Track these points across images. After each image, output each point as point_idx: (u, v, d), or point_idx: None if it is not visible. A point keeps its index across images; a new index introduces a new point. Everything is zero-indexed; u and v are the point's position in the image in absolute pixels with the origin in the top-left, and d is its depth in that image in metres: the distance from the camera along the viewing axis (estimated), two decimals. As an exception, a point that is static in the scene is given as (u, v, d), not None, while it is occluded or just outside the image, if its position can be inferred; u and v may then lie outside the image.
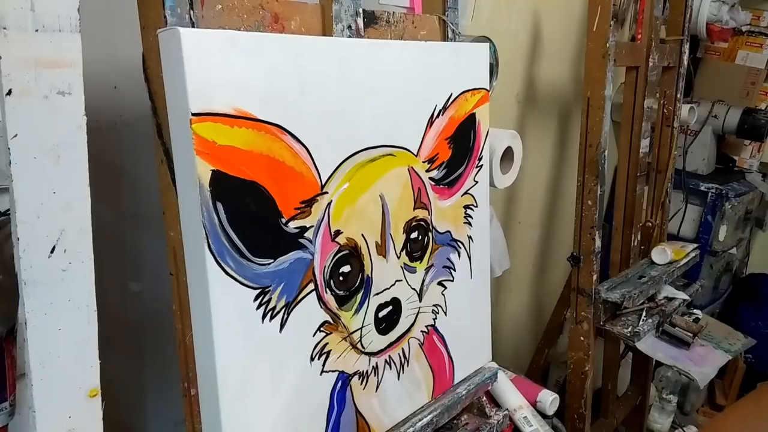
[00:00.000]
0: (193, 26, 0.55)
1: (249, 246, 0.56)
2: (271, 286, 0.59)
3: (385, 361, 0.74)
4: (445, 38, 0.84)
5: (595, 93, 1.15)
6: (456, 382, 0.85)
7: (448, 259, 0.82)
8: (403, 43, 0.73)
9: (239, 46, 0.54)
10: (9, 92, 0.42)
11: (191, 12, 0.54)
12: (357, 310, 0.69)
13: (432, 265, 0.79)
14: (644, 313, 1.30)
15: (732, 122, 1.97)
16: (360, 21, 0.70)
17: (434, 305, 0.80)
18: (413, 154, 0.74)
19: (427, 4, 0.88)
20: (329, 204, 0.63)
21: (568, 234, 1.40)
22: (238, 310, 0.56)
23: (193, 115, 0.50)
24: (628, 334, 1.26)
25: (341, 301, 0.67)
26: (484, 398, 0.89)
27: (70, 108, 0.46)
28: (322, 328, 0.65)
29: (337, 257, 0.65)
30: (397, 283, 0.74)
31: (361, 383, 0.71)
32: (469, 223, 0.85)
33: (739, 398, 2.11)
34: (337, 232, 0.65)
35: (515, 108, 1.57)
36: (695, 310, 1.46)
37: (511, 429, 1.01)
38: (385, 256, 0.71)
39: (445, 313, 0.82)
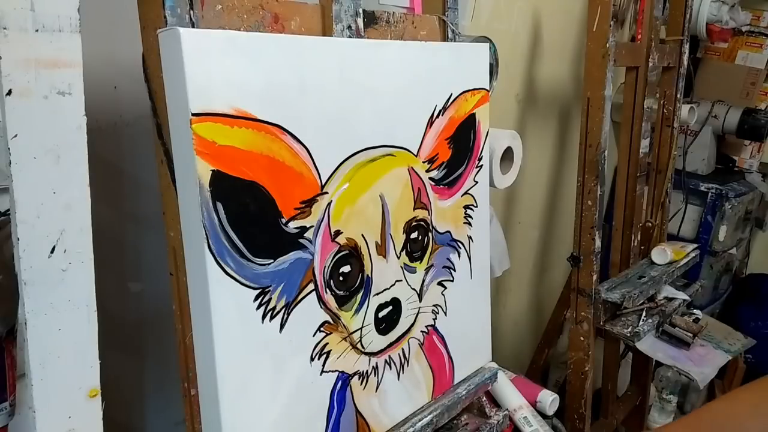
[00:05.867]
0: (193, 26, 0.55)
1: (249, 246, 0.56)
2: (271, 286, 0.59)
3: (385, 361, 0.74)
4: (445, 38, 0.84)
5: (595, 93, 1.15)
6: (456, 382, 0.85)
7: (448, 259, 0.82)
8: (403, 43, 0.73)
9: (239, 47, 0.54)
10: (9, 92, 0.42)
11: (191, 12, 0.54)
12: (357, 310, 0.69)
13: (432, 265, 0.79)
14: (644, 313, 1.30)
15: (732, 122, 1.97)
16: (360, 21, 0.70)
17: (434, 305, 0.80)
18: (413, 154, 0.74)
19: (427, 4, 0.88)
20: (329, 204, 0.63)
21: (568, 234, 1.40)
22: (238, 310, 0.56)
23: (193, 115, 0.50)
24: (628, 335, 1.26)
25: (341, 301, 0.67)
26: (484, 398, 0.89)
27: (70, 108, 0.46)
28: (322, 328, 0.65)
29: (337, 257, 0.65)
30: (397, 283, 0.74)
31: (361, 383, 0.71)
32: (469, 223, 0.85)
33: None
34: (337, 232, 0.65)
35: (515, 108, 1.57)
36: (695, 310, 1.45)
37: (511, 429, 1.01)
38: (385, 256, 0.71)
39: (445, 313, 0.82)
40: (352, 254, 0.67)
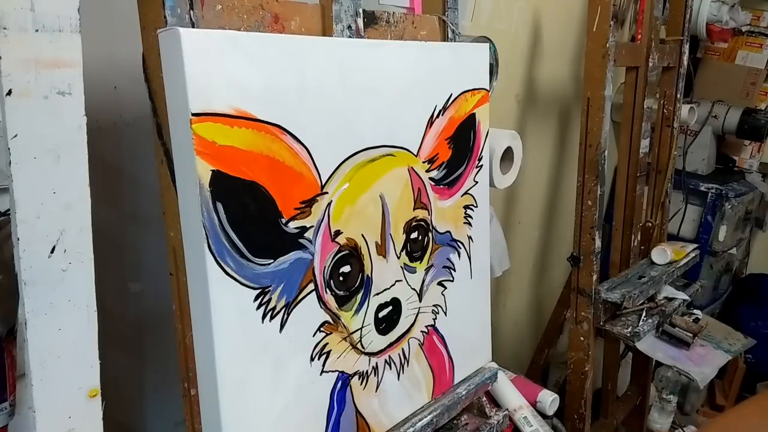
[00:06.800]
0: (193, 26, 0.55)
1: (249, 246, 0.56)
2: (271, 286, 0.59)
3: (385, 361, 0.74)
4: (445, 38, 0.84)
5: (595, 93, 1.15)
6: (456, 382, 0.85)
7: (448, 259, 0.82)
8: (403, 43, 0.73)
9: (239, 47, 0.54)
10: (9, 92, 0.42)
11: (191, 12, 0.54)
12: (357, 310, 0.69)
13: (432, 265, 0.79)
14: (644, 314, 1.30)
15: (732, 122, 1.97)
16: (360, 21, 0.70)
17: (434, 305, 0.80)
18: (413, 154, 0.74)
19: (427, 4, 0.88)
20: (329, 204, 0.63)
21: (568, 234, 1.40)
22: (238, 310, 0.56)
23: (193, 115, 0.50)
24: (628, 335, 1.26)
25: (341, 301, 0.67)
26: (484, 398, 0.89)
27: (70, 108, 0.46)
28: (322, 328, 0.65)
29: (337, 257, 0.65)
30: (397, 283, 0.74)
31: (361, 383, 0.71)
32: (469, 223, 0.85)
33: (739, 399, 2.11)
34: (337, 232, 0.65)
35: (515, 108, 1.57)
36: (695, 311, 1.46)
37: (511, 429, 1.01)
38: (385, 256, 0.71)
39: (445, 313, 0.82)
40: (352, 254, 0.67)
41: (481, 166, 0.85)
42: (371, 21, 0.72)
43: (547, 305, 1.80)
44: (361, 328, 0.70)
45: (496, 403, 1.04)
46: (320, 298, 0.64)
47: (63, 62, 0.45)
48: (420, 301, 0.78)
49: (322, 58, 0.62)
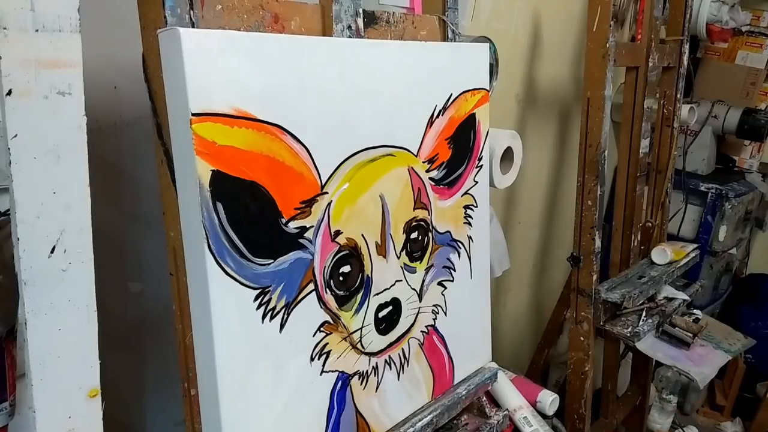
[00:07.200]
0: (193, 26, 0.55)
1: (249, 246, 0.56)
2: (271, 286, 0.59)
3: (385, 361, 0.74)
4: (445, 38, 0.84)
5: (595, 93, 1.15)
6: (456, 382, 0.85)
7: (448, 259, 0.82)
8: (403, 43, 0.73)
9: (239, 47, 0.54)
10: (9, 92, 0.42)
11: (191, 12, 0.54)
12: (357, 310, 0.69)
13: (432, 265, 0.79)
14: (644, 314, 1.30)
15: (732, 122, 1.97)
16: (360, 21, 0.70)
17: (434, 305, 0.80)
18: (413, 154, 0.74)
19: (427, 4, 0.88)
20: (329, 204, 0.63)
21: (568, 234, 1.40)
22: (238, 310, 0.56)
23: (193, 115, 0.50)
24: (628, 335, 1.26)
25: (341, 301, 0.67)
26: (484, 398, 0.89)
27: (70, 108, 0.46)
28: (322, 328, 0.65)
29: (337, 257, 0.65)
30: (397, 283, 0.74)
31: (361, 383, 0.71)
32: (469, 223, 0.85)
33: (740, 399, 2.11)
34: (337, 232, 0.65)
35: (515, 108, 1.57)
36: (695, 311, 1.46)
37: (511, 429, 1.01)
38: (385, 256, 0.71)
39: (445, 314, 0.82)
40: (352, 254, 0.67)
41: (481, 166, 0.85)
42: (371, 21, 0.72)
43: (547, 305, 1.80)
44: (361, 328, 0.70)
45: (496, 403, 1.04)
46: (320, 298, 0.64)
47: (63, 62, 0.45)
48: (420, 301, 0.78)
49: (322, 58, 0.62)
